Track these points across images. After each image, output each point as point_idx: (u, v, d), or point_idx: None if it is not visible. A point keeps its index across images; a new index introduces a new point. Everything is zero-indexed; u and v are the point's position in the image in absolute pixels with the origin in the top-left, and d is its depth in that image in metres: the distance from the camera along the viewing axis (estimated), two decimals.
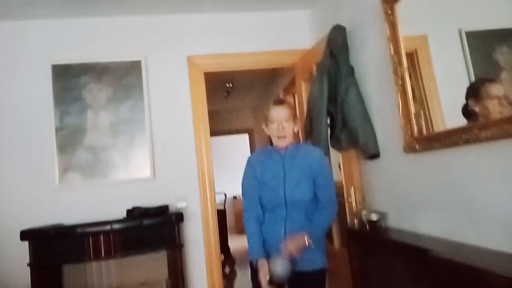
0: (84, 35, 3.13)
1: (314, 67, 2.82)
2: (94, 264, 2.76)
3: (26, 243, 2.58)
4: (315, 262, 2.00)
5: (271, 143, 2.15)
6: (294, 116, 2.10)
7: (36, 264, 2.57)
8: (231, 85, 5.66)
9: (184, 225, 3.01)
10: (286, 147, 2.08)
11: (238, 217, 8.64)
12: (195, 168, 3.15)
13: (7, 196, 2.90)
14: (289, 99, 4.54)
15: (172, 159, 3.13)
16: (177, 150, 3.15)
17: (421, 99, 1.93)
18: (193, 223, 3.10)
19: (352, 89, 2.36)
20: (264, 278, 1.87)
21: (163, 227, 2.73)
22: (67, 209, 2.92)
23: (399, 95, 2.00)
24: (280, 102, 2.13)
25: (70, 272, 2.80)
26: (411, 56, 1.99)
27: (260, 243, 2.01)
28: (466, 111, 1.58)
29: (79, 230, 2.60)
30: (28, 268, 2.56)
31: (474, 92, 1.55)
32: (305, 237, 1.91)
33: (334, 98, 2.45)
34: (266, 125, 2.12)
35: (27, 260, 2.57)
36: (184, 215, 2.86)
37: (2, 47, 3.03)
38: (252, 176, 2.13)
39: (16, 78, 3.02)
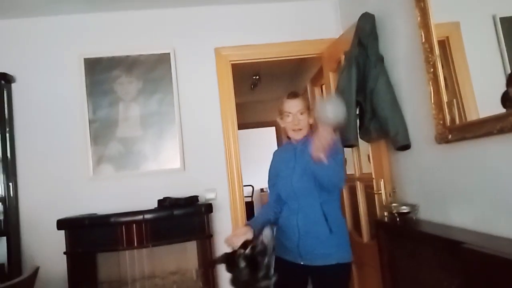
0: (113, 28, 3.20)
1: (342, 57, 2.79)
2: (127, 253, 2.84)
3: (62, 232, 2.68)
4: (330, 257, 1.97)
5: (288, 137, 2.17)
6: (309, 108, 2.11)
7: (72, 252, 2.67)
8: (257, 77, 5.66)
9: (213, 216, 3.05)
10: (300, 139, 2.09)
11: None
12: (224, 160, 3.18)
13: (45, 187, 3.02)
14: (317, 90, 4.51)
15: (201, 151, 3.17)
16: (206, 142, 3.19)
17: (453, 88, 1.88)
18: (222, 214, 3.14)
19: (381, 78, 2.32)
20: (232, 239, 1.79)
21: (193, 217, 2.78)
22: (101, 199, 3.02)
23: (431, 84, 1.95)
24: (294, 95, 2.15)
25: (104, 260, 2.90)
26: (443, 43, 1.93)
27: (258, 219, 2.02)
28: (505, 100, 1.52)
29: (112, 219, 2.68)
30: (65, 256, 2.67)
31: None
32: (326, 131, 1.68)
33: (363, 88, 2.41)
34: (282, 118, 2.14)
35: (64, 249, 2.68)
36: (213, 206, 2.90)
37: (36, 43, 3.14)
38: (272, 172, 2.21)
39: (50, 72, 3.12)
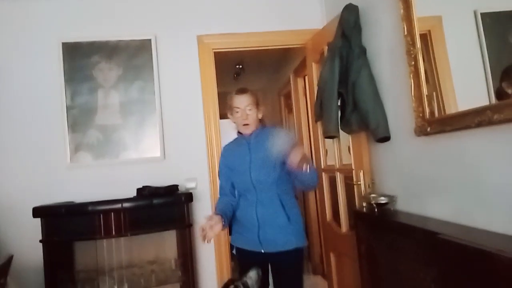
0: (94, 13, 3.12)
1: (326, 48, 2.78)
2: (104, 242, 2.80)
3: (38, 220, 2.62)
4: (290, 242, 2.09)
5: (239, 132, 2.24)
6: (257, 103, 2.18)
7: (48, 240, 2.62)
8: (240, 66, 5.62)
9: (193, 205, 3.03)
10: (252, 133, 2.17)
11: None
12: (205, 150, 3.16)
13: (20, 174, 2.95)
14: (299, 81, 4.51)
15: (181, 140, 3.14)
16: (187, 131, 3.16)
17: (433, 81, 1.90)
18: (202, 204, 3.13)
19: (363, 70, 2.32)
20: (209, 233, 1.88)
21: (172, 206, 2.76)
22: (79, 188, 2.97)
23: (411, 77, 1.97)
24: (242, 90, 2.20)
25: (81, 249, 2.86)
26: (425, 37, 1.94)
27: (225, 212, 2.11)
28: (500, 94, 1.54)
29: (90, 208, 2.64)
30: (41, 245, 2.61)
31: (508, 75, 1.51)
32: (301, 150, 1.88)
33: (345, 79, 2.42)
34: (231, 114, 2.21)
35: (40, 237, 2.62)
36: (193, 196, 2.88)
37: (13, 27, 3.04)
38: (223, 165, 2.29)
39: (27, 57, 3.03)
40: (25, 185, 2.94)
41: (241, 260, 2.23)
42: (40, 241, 2.61)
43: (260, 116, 2.20)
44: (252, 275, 1.88)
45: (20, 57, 3.02)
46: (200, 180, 3.13)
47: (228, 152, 2.30)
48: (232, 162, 2.24)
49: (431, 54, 1.91)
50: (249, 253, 2.16)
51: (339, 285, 3.04)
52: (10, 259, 1.89)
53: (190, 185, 3.08)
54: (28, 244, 2.75)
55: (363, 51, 2.42)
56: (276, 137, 1.98)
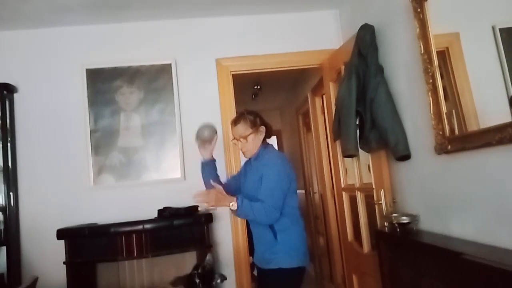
0: (115, 39, 3.23)
1: (343, 67, 2.80)
2: (126, 263, 2.83)
3: (62, 242, 2.67)
4: (274, 261, 2.10)
5: None
6: (254, 127, 2.25)
7: (72, 262, 2.67)
8: (258, 87, 5.67)
9: (213, 226, 3.04)
10: (252, 156, 2.28)
11: None
12: (224, 171, 3.17)
13: (45, 196, 3.03)
14: (317, 100, 4.52)
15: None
16: None
17: (453, 98, 1.88)
18: (222, 224, 3.13)
19: (381, 88, 2.33)
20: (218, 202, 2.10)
21: (192, 227, 2.78)
22: (101, 209, 3.02)
23: (430, 94, 1.96)
24: (234, 121, 2.31)
25: (103, 270, 2.89)
26: (443, 54, 1.94)
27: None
28: None
29: (112, 229, 2.68)
30: (64, 266, 2.66)
31: None
32: (233, 202, 2.04)
33: (363, 98, 2.42)
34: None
35: (63, 259, 2.67)
36: (213, 216, 2.90)
37: (39, 53, 3.17)
38: (239, 172, 2.51)
39: (52, 83, 3.15)
40: (49, 207, 3.01)
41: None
42: (64, 262, 2.66)
43: (261, 137, 2.28)
44: (209, 258, 2.36)
45: (44, 82, 3.14)
46: None
47: (244, 165, 2.46)
48: (240, 175, 2.44)
49: (450, 70, 1.90)
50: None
51: None
52: (35, 281, 1.93)
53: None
54: (52, 265, 2.79)
55: (380, 69, 2.43)
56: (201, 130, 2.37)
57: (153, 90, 3.16)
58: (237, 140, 2.26)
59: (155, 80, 3.17)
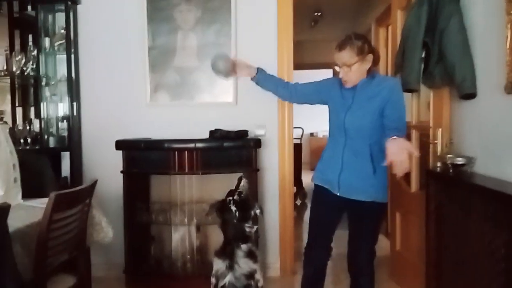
0: None
1: None
2: (178, 178, 2.98)
3: (119, 152, 2.85)
4: (368, 194, 2.04)
5: None
6: (361, 55, 2.01)
7: (129, 172, 2.86)
8: (319, 14, 5.41)
9: (261, 151, 3.08)
10: (356, 85, 2.07)
11: (313, 154, 8.71)
12: (275, 99, 3.13)
13: (105, 108, 3.19)
14: (382, 31, 4.25)
15: (254, 87, 3.11)
16: None
17: None
18: (269, 151, 3.17)
19: (454, 18, 2.12)
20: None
21: (242, 150, 2.85)
22: (156, 126, 3.15)
23: (509, 27, 1.76)
24: (338, 46, 2.06)
25: (156, 182, 3.08)
26: None
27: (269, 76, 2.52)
28: None
29: (166, 145, 2.81)
30: (121, 175, 2.86)
31: None
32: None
33: (432, 28, 2.23)
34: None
35: (120, 168, 2.86)
36: (261, 142, 2.93)
37: None
38: (319, 85, 2.33)
39: None
40: (108, 119, 3.19)
41: (316, 197, 2.24)
42: (121, 171, 2.85)
43: (366, 66, 2.05)
44: (244, 184, 2.19)
45: None
46: (269, 128, 3.16)
47: (333, 85, 2.21)
48: (331, 98, 2.20)
49: None
50: (325, 191, 2.14)
51: (402, 244, 3.00)
52: (94, 183, 2.10)
53: (259, 132, 3.12)
54: (109, 173, 2.99)
55: None
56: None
57: (210, 9, 3.09)
58: (339, 67, 2.07)
59: None
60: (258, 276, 2.05)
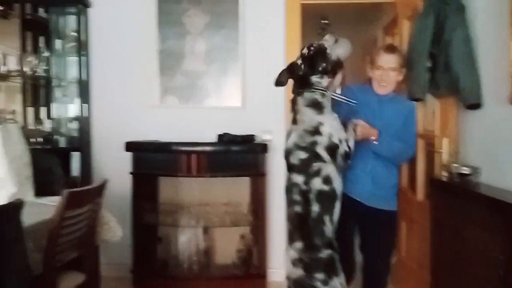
0: None
1: (420, 4, 2.60)
2: (185, 180, 3.03)
3: (128, 154, 2.90)
4: (389, 203, 2.14)
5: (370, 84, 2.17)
6: (402, 65, 2.06)
7: (137, 173, 2.91)
8: (326, 22, 5.46)
9: (267, 156, 3.12)
10: (386, 94, 2.09)
11: None
12: (283, 105, 3.17)
13: (114, 110, 3.25)
14: (388, 40, 4.28)
15: (261, 92, 3.19)
16: (267, 84, 3.15)
17: None
18: (275, 156, 3.20)
19: (459, 29, 2.15)
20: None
21: (248, 155, 2.91)
22: (164, 128, 3.21)
23: None
24: (391, 49, 2.10)
25: (164, 183, 3.13)
26: None
27: None
28: None
29: (174, 147, 2.88)
30: (130, 176, 2.90)
31: None
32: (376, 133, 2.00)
33: (439, 38, 2.26)
34: (371, 68, 2.11)
35: (129, 169, 2.90)
36: (269, 147, 2.97)
37: None
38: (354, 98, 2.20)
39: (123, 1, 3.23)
40: (118, 121, 3.25)
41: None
42: (130, 173, 2.90)
43: (400, 78, 2.12)
44: (328, 38, 1.96)
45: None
46: (275, 133, 3.19)
47: (357, 92, 2.23)
48: (355, 106, 2.19)
49: None
50: (346, 197, 2.14)
51: (407, 253, 3.00)
52: (105, 182, 2.15)
53: (266, 136, 3.16)
54: (118, 174, 3.03)
55: (461, 8, 2.22)
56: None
57: (218, 14, 3.15)
58: (383, 70, 2.08)
59: (221, 3, 3.14)
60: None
